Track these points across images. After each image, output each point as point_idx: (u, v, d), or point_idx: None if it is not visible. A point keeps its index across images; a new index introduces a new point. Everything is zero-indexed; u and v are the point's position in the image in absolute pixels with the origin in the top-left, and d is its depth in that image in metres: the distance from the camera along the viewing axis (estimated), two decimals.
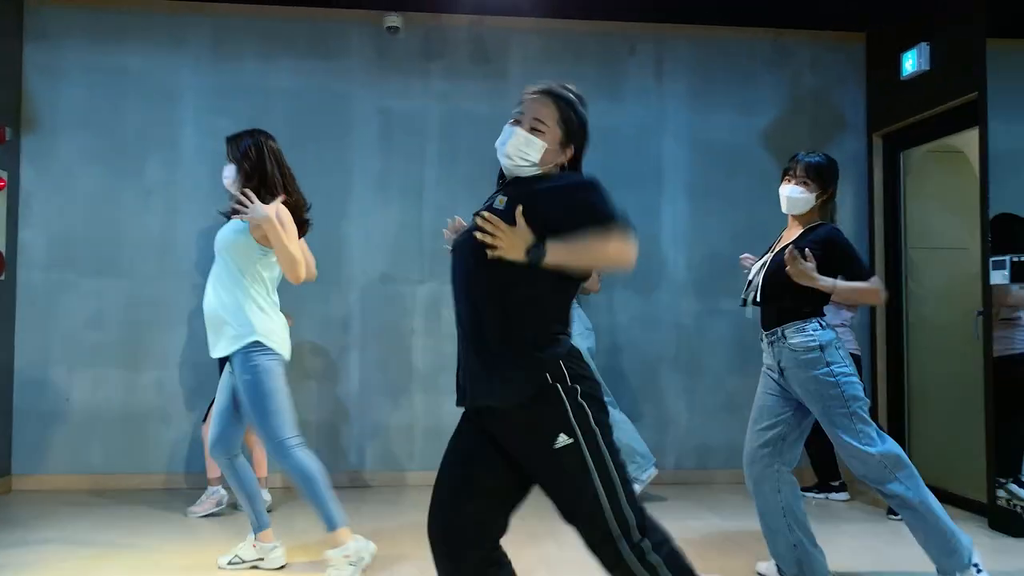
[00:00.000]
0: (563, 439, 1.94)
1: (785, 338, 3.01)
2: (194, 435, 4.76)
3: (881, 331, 5.23)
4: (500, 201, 2.06)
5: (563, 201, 2.04)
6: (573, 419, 1.96)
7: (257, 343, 3.08)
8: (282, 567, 3.30)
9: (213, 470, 4.21)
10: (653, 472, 4.44)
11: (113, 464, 4.75)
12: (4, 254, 4.60)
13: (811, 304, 3.00)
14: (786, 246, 3.02)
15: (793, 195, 3.09)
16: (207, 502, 4.19)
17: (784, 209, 3.15)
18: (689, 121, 5.26)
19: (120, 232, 4.82)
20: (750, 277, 3.15)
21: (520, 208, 1.97)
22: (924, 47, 4.76)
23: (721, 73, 5.29)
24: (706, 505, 4.54)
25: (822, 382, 2.94)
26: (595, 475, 1.95)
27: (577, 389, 1.97)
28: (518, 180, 2.14)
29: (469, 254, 2.04)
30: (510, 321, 2.00)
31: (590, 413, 1.97)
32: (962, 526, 3.10)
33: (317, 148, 4.92)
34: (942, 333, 4.87)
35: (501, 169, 2.19)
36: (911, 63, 4.86)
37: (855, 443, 2.94)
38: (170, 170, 4.88)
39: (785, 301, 3.00)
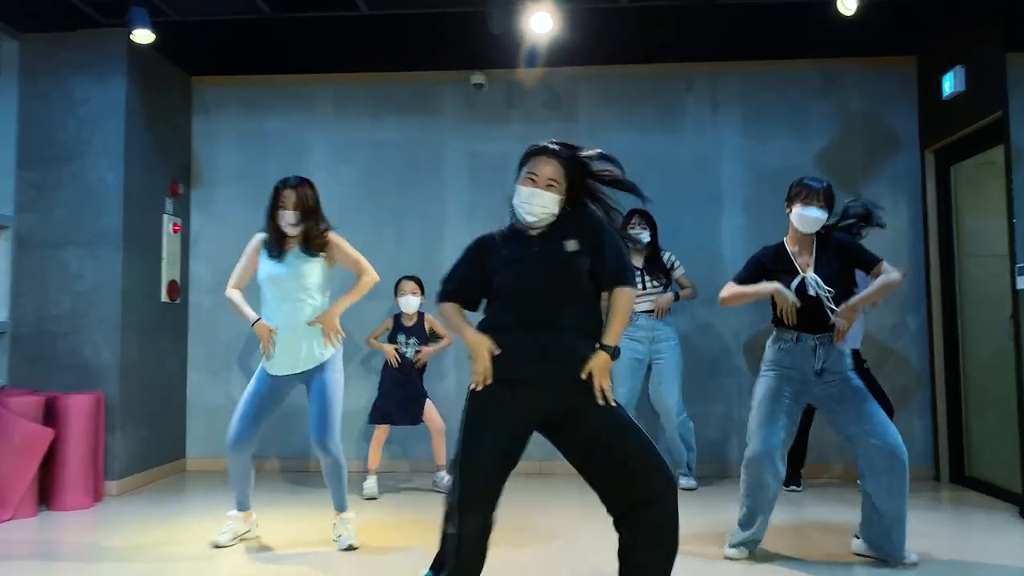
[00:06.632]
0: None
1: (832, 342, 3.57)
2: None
3: (938, 333, 5.55)
4: (572, 244, 2.58)
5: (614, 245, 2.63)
6: None
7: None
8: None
9: (373, 460, 5.13)
10: None
11: (264, 450, 5.85)
12: (179, 282, 5.85)
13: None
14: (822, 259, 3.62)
15: (820, 216, 3.59)
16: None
17: (806, 228, 3.60)
18: (744, 147, 5.81)
19: None
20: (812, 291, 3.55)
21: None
22: (959, 69, 5.07)
23: (773, 103, 5.81)
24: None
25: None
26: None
27: None
28: (559, 223, 2.64)
29: (562, 272, 2.57)
30: (585, 315, 2.60)
31: None
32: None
33: (417, 186, 5.89)
34: (992, 334, 5.10)
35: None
36: (949, 85, 5.19)
37: None
38: None
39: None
